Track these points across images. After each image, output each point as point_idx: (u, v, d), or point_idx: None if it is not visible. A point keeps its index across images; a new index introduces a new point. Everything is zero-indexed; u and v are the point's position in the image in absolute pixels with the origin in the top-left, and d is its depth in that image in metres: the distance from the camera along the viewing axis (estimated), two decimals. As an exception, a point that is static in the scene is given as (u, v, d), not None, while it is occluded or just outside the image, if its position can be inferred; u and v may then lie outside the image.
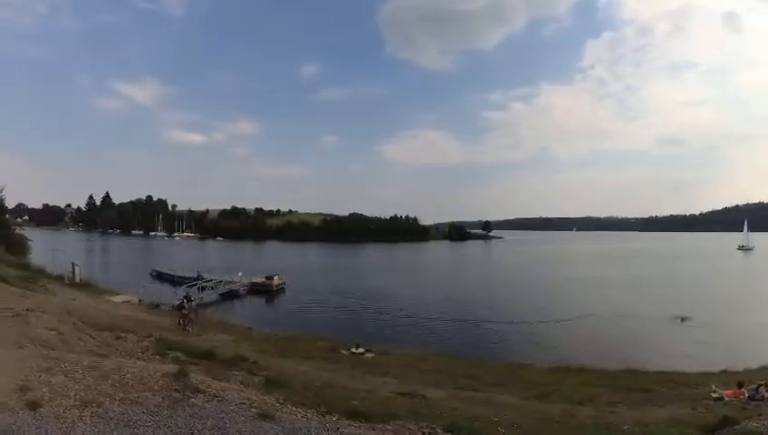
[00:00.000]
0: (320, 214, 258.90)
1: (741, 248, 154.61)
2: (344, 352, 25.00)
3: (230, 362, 13.59)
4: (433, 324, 40.50)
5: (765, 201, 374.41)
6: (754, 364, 24.00)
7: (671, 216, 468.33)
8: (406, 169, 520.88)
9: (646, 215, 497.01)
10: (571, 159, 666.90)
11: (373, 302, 50.48)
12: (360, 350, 25.27)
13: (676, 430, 10.48)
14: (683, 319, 41.50)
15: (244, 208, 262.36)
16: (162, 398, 7.27)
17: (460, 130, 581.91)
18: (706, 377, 21.54)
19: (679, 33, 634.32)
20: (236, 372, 11.21)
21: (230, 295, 52.25)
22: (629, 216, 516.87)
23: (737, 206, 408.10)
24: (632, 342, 35.41)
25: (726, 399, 16.98)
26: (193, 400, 7.35)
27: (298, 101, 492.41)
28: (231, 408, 7.23)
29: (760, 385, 17.20)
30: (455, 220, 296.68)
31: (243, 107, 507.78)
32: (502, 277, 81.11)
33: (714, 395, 17.51)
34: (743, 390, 17.45)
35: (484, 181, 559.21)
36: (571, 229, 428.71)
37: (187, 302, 26.98)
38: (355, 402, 9.17)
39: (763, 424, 9.05)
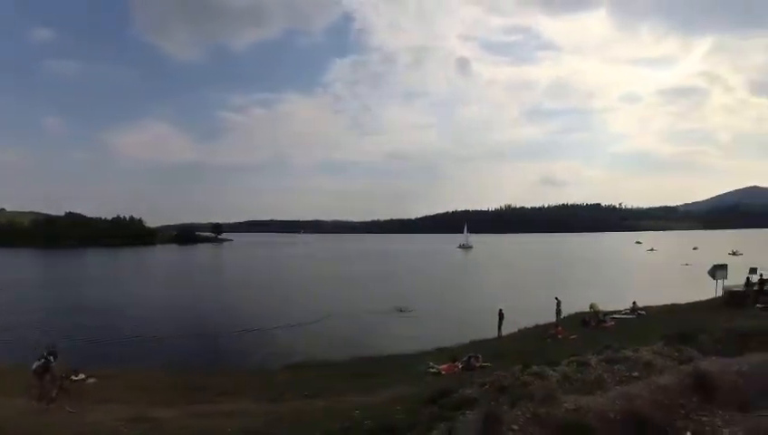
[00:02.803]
0: (31, 213, 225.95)
1: (462, 247, 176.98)
2: (60, 381, 20.86)
3: None
4: (163, 338, 36.37)
5: (471, 209, 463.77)
6: (465, 340, 27.12)
7: (393, 220, 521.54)
8: (134, 164, 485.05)
9: (370, 219, 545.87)
10: (305, 166, 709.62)
11: (92, 319, 43.24)
12: (81, 376, 21.29)
13: (400, 407, 10.67)
14: (402, 310, 45.12)
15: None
16: None
17: (197, 128, 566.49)
18: (425, 356, 23.47)
19: (418, 67, 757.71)
20: None
21: None
22: (356, 219, 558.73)
23: (447, 212, 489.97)
24: (359, 334, 36.98)
25: (444, 372, 18.26)
26: None
27: (20, 71, 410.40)
28: None
29: (470, 357, 19.06)
30: (184, 222, 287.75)
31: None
32: (234, 282, 78.18)
33: (432, 371, 18.77)
34: (456, 363, 19.08)
35: (218, 182, 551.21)
36: (300, 232, 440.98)
37: (54, 360, 15.68)
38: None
39: (476, 390, 9.27)
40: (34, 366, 15.13)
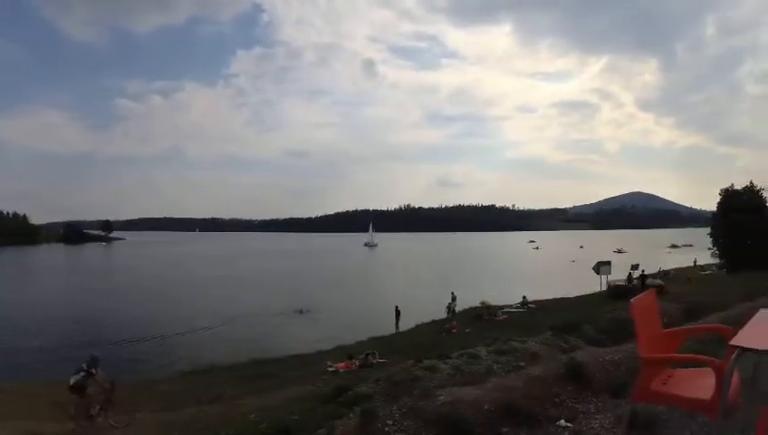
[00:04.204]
0: None
1: (367, 245, 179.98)
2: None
3: None
4: (49, 349, 33.00)
5: (371, 208, 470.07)
6: (364, 337, 27.29)
7: (292, 218, 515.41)
8: (19, 154, 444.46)
9: (268, 217, 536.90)
10: (203, 160, 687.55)
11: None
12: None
13: (296, 407, 10.59)
14: (302, 311, 44.62)
15: None
16: None
17: (88, 116, 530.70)
18: (324, 355, 23.36)
19: (323, 65, 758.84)
20: None
21: None
22: (253, 217, 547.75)
23: (348, 211, 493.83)
24: (259, 336, 35.97)
25: (341, 371, 18.29)
26: None
27: None
28: None
29: (368, 354, 19.30)
30: (72, 219, 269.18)
31: None
32: (127, 286, 71.89)
33: (330, 369, 18.75)
34: (354, 360, 19.21)
35: (109, 176, 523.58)
36: (195, 230, 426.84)
37: (96, 371, 13.17)
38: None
39: (371, 386, 9.38)
40: (73, 381, 12.80)
